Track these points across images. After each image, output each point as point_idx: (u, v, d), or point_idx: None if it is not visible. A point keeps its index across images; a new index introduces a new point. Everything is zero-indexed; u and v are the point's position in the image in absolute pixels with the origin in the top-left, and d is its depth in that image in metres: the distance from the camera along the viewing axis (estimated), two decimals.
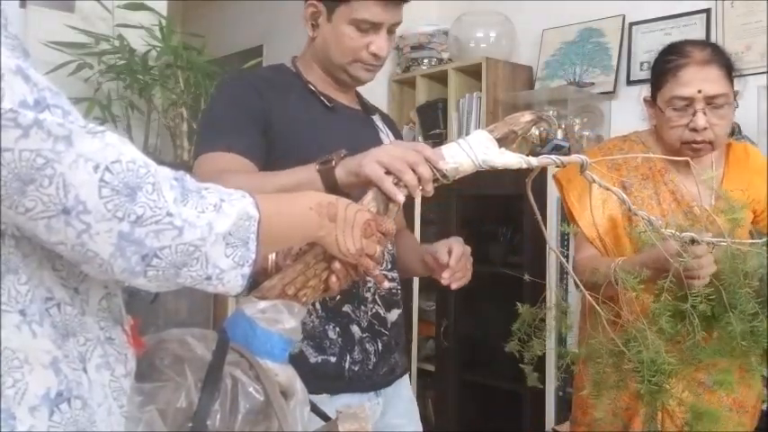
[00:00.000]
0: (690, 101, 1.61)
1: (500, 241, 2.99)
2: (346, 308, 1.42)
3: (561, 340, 2.13)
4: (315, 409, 1.00)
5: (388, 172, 1.07)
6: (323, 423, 1.02)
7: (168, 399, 0.81)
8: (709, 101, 1.61)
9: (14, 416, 0.71)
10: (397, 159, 1.06)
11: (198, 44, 3.16)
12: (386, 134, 1.57)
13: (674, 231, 1.28)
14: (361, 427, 0.97)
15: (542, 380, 2.51)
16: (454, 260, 1.36)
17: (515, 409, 2.70)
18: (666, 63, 1.65)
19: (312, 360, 1.38)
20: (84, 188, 0.69)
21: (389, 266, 1.50)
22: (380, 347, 1.46)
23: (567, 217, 1.80)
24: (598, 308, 1.25)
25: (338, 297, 1.40)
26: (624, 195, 1.19)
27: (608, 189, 1.19)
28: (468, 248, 1.41)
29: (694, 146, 1.64)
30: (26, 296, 0.73)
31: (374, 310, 1.46)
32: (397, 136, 1.63)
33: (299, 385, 0.92)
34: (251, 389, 0.85)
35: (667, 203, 1.69)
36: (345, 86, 1.51)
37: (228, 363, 0.85)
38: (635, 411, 1.61)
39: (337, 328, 1.41)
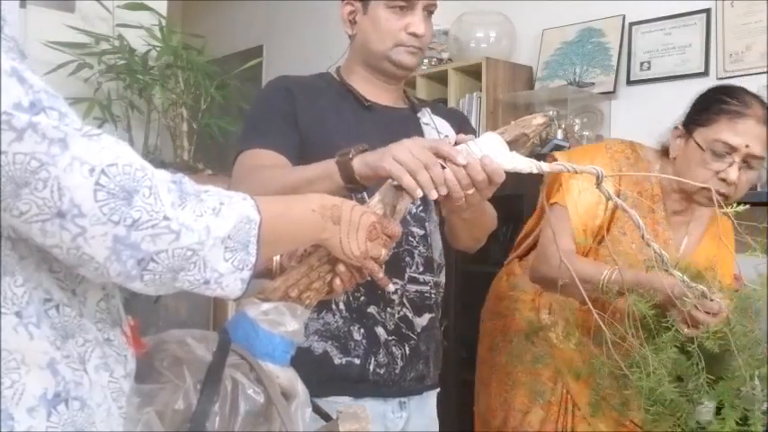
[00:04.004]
0: (732, 151, 1.56)
1: (500, 241, 2.98)
2: (371, 309, 1.41)
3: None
4: (316, 410, 1.00)
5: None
6: (324, 423, 1.02)
7: (166, 400, 0.81)
8: (747, 159, 1.57)
9: (12, 416, 0.71)
10: (412, 159, 1.05)
11: (198, 44, 3.15)
12: (434, 129, 1.54)
13: (684, 277, 1.24)
14: (362, 427, 0.97)
15: None
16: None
17: None
18: (725, 104, 1.60)
19: (337, 361, 1.39)
20: (80, 191, 0.68)
21: (421, 269, 1.47)
22: (408, 352, 1.44)
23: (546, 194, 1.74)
24: (601, 322, 1.24)
25: (362, 297, 1.40)
26: (640, 221, 1.14)
27: (625, 211, 1.14)
28: (493, 162, 1.08)
29: (719, 197, 1.54)
30: (23, 298, 0.73)
31: (402, 313, 1.44)
32: (464, 128, 1.51)
33: (300, 387, 0.92)
34: (251, 391, 0.85)
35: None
36: (393, 79, 1.51)
37: (229, 365, 0.85)
38: (529, 409, 1.66)
39: (362, 330, 1.40)
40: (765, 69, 2.58)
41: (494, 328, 1.86)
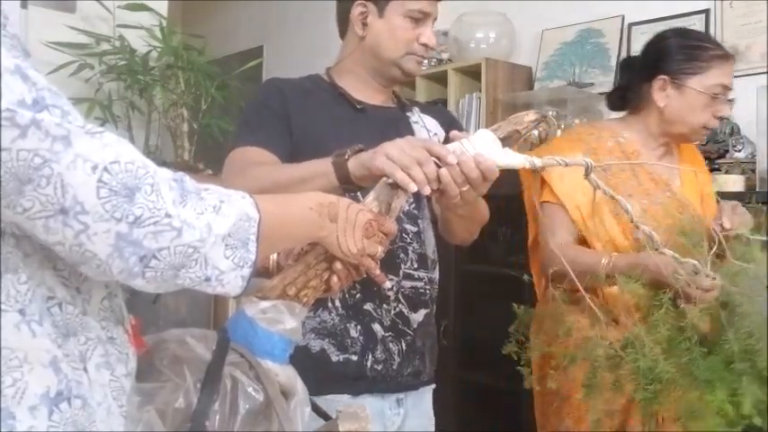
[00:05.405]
0: (726, 90, 1.72)
1: (500, 241, 2.99)
2: (368, 306, 1.42)
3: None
4: (316, 409, 1.00)
5: None
6: (324, 422, 1.02)
7: (167, 399, 0.81)
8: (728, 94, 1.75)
9: (14, 416, 0.71)
10: (405, 155, 1.07)
11: (198, 45, 3.16)
12: (424, 128, 1.55)
13: (674, 254, 1.26)
14: (361, 427, 0.97)
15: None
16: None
17: (515, 409, 2.70)
18: (710, 50, 1.73)
19: (334, 359, 1.40)
20: (82, 188, 0.69)
21: (416, 266, 1.48)
22: (404, 347, 1.45)
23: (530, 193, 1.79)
24: (595, 307, 1.24)
25: (358, 294, 1.41)
26: (628, 206, 1.17)
27: (613, 197, 1.17)
28: (487, 159, 1.09)
29: (708, 132, 1.79)
30: (25, 295, 0.73)
31: (397, 309, 1.45)
32: (453, 126, 1.54)
33: (299, 385, 0.92)
34: (250, 389, 0.85)
35: (647, 183, 1.74)
36: (394, 83, 1.55)
37: (229, 363, 0.85)
38: (629, 413, 1.60)
39: (359, 327, 1.41)
40: (765, 69, 2.58)
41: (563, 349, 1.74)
